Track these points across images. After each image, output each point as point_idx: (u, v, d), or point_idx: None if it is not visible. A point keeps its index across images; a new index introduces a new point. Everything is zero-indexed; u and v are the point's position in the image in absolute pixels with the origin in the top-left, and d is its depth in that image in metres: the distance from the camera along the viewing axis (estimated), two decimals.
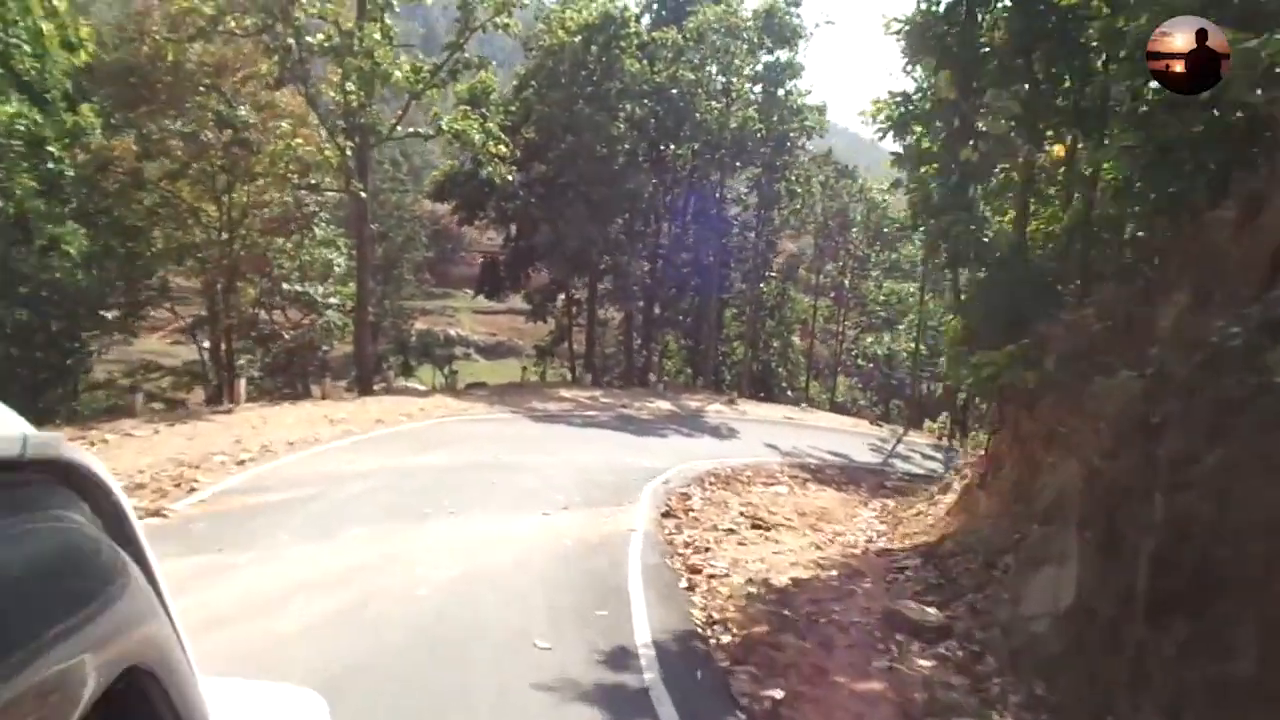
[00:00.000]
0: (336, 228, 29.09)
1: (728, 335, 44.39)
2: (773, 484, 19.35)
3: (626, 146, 33.87)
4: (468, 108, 24.25)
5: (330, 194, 25.67)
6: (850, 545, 12.37)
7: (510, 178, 26.28)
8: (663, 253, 40.24)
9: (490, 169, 25.24)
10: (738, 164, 37.09)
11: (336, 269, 28.13)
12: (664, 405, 29.71)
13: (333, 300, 28.19)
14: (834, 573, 9.93)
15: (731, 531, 12.35)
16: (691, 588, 8.93)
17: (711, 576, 9.42)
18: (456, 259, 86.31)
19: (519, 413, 22.72)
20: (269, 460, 13.16)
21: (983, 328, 12.34)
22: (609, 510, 12.47)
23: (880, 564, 10.65)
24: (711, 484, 17.14)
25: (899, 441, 31.63)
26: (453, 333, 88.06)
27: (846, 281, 46.15)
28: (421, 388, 41.65)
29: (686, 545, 11.08)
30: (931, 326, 37.37)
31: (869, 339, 48.52)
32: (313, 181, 22.55)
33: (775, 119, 34.61)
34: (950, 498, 16.60)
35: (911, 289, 41.13)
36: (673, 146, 36.90)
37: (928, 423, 38.94)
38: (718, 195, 38.46)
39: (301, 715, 1.45)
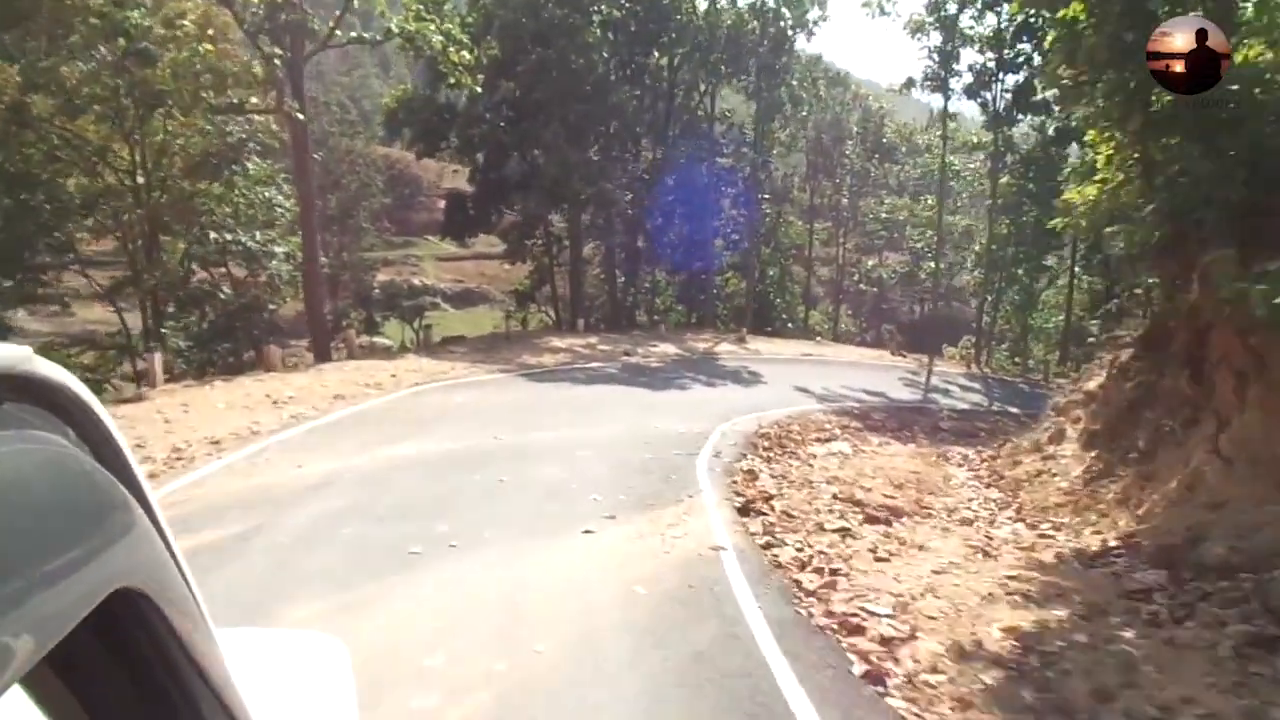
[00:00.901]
0: (275, 163, 24.70)
1: (721, 266, 40.57)
2: (828, 439, 15.99)
3: (605, 54, 29.50)
4: (421, 6, 19.83)
5: (261, 119, 21.25)
6: (1021, 545, 8.81)
7: (478, 89, 21.95)
8: (647, 177, 36.06)
9: (454, 80, 20.94)
10: (730, 72, 32.72)
11: (280, 213, 23.85)
12: (670, 349, 26.01)
13: (278, 250, 23.96)
14: (1059, 611, 6.37)
15: (845, 533, 8.76)
16: (875, 677, 5.30)
17: (887, 643, 5.81)
18: (417, 204, 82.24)
19: (510, 371, 18.91)
20: (179, 474, 9.24)
21: (1211, 216, 8.60)
22: (670, 512, 8.83)
23: (1105, 583, 7.11)
24: (767, 449, 13.66)
25: (930, 374, 28.28)
26: (418, 282, 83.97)
27: (845, 200, 42.26)
28: (389, 343, 37.62)
29: (804, 567, 7.47)
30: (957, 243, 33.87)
31: (870, 262, 44.96)
32: (233, 100, 18.01)
33: (771, 13, 30.29)
34: (1071, 450, 13.17)
35: (929, 202, 37.34)
36: (655, 54, 32.49)
37: (948, 349, 35.65)
38: (708, 109, 34.20)
39: (322, 659, 1.41)
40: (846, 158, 41.59)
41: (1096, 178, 14.43)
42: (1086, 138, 14.09)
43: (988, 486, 13.21)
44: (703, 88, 33.43)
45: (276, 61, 17.26)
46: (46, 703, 0.66)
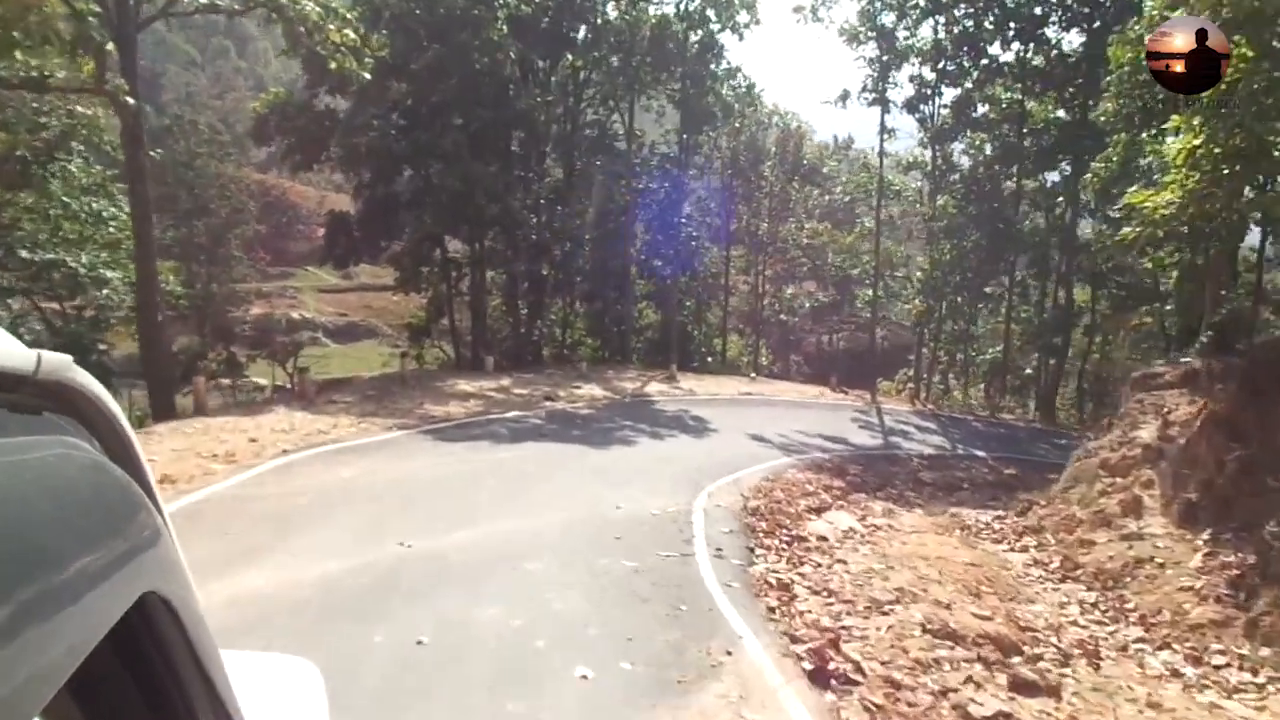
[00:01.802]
0: (110, 169, 20.00)
1: (635, 296, 37.22)
2: (821, 507, 12.80)
3: (511, 55, 25.84)
4: None
5: (86, 109, 16.67)
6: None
7: (366, 75, 17.89)
8: (553, 198, 32.41)
9: (335, 65, 16.87)
10: (653, 78, 29.44)
11: (112, 230, 19.19)
12: (595, 390, 22.31)
13: (111, 275, 19.23)
14: None
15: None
16: None
17: None
18: (295, 233, 77.21)
19: (411, 427, 14.82)
20: None
21: None
22: (713, 698, 5.16)
23: None
24: (768, 534, 10.20)
25: (881, 413, 25.51)
26: (296, 316, 78.34)
27: (764, 225, 39.56)
28: (262, 383, 32.65)
29: None
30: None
31: (789, 290, 42.46)
32: (31, 70, 13.34)
33: (697, 14, 27.26)
34: (1163, 526, 10.10)
35: (864, 226, 34.77)
36: (569, 56, 29.02)
37: (883, 383, 33.13)
38: (625, 122, 30.86)
39: (297, 683, 1.42)
40: (764, 180, 38.91)
41: (1170, 179, 11.73)
42: (1169, 123, 11.41)
43: (1063, 579, 10.00)
44: (620, 95, 29.98)
45: (93, 20, 12.84)
46: (49, 709, 0.58)
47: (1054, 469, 20.93)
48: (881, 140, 28.47)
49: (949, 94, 28.63)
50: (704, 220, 37.75)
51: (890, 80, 27.80)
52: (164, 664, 0.77)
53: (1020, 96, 28.28)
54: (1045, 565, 10.43)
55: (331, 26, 16.48)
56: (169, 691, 0.77)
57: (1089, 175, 19.96)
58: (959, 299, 29.25)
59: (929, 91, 28.18)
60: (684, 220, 37.30)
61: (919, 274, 28.90)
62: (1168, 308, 22.28)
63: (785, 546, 9.89)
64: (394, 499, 9.69)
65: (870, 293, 31.62)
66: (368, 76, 17.63)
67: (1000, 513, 13.96)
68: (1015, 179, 28.72)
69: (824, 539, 10.60)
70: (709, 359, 38.61)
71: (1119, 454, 12.18)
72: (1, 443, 0.56)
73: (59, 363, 0.65)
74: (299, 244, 78.29)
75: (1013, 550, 11.33)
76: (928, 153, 29.71)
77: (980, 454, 20.95)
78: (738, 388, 26.19)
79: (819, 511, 12.74)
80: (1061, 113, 28.30)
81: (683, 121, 30.34)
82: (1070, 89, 27.02)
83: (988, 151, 28.91)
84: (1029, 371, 33.34)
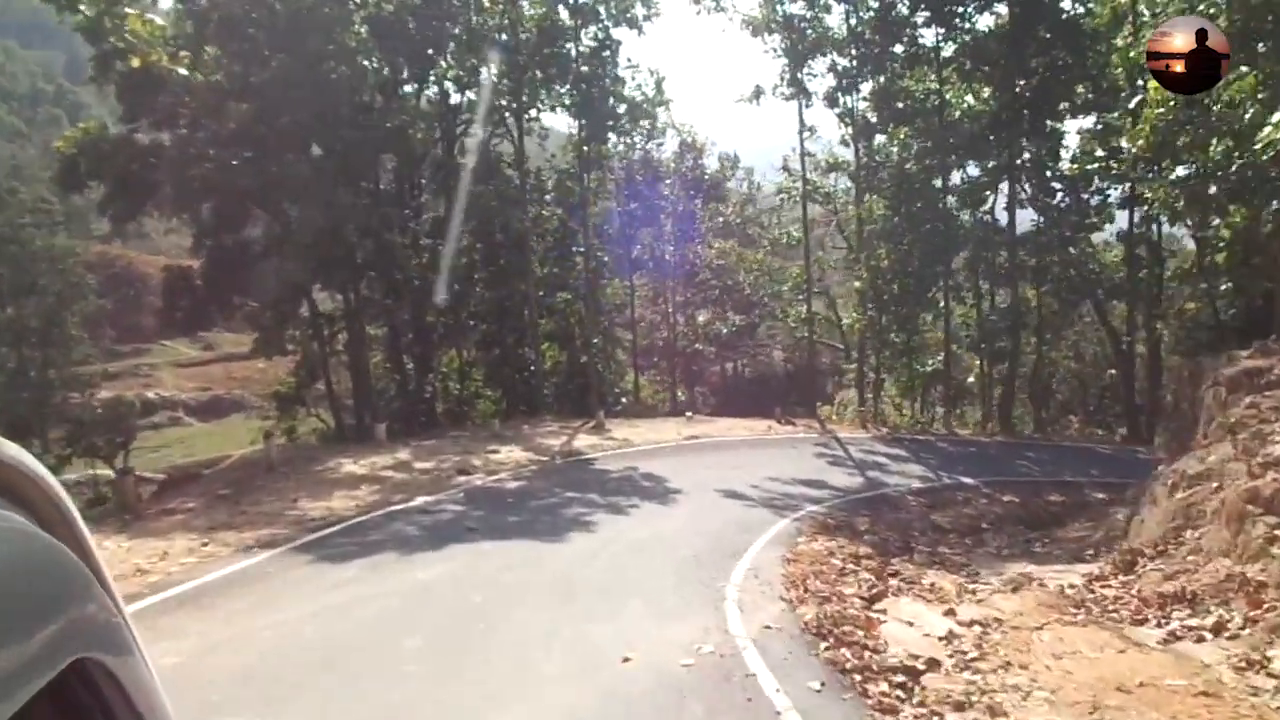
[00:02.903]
0: None
1: (535, 337, 33.23)
2: (876, 595, 9.27)
3: (374, 63, 21.73)
4: None
5: None
6: None
7: (196, 75, 13.50)
8: (432, 234, 28.25)
9: (155, 60, 12.46)
10: (544, 79, 25.60)
11: None
12: (517, 453, 18.20)
13: None
14: None
15: None
16: None
17: None
18: (145, 306, 70.16)
19: (282, 542, 10.38)
20: None
21: None
22: None
23: None
24: (860, 671, 6.40)
25: (842, 444, 22.35)
26: (153, 395, 71.79)
27: (670, 249, 36.26)
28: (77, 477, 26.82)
29: None
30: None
31: (701, 316, 39.25)
32: None
33: (587, 7, 23.74)
34: None
35: (792, 234, 31.61)
36: (444, 63, 25.01)
37: (823, 408, 30.10)
38: (514, 137, 26.98)
39: None
40: (665, 199, 35.65)
41: None
42: None
43: None
44: (506, 107, 26.07)
45: None
46: None
47: (1055, 490, 18.42)
48: (802, 139, 25.70)
49: (870, 87, 26.03)
50: (606, 247, 34.17)
51: (808, 70, 25.05)
52: None
53: (938, 85, 26.03)
54: (1266, 666, 7.01)
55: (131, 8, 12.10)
56: None
57: (1140, 126, 17.10)
58: (903, 309, 26.48)
59: (848, 81, 25.51)
60: (582, 250, 33.67)
61: (857, 284, 26.01)
62: (1223, 287, 19.60)
63: (902, 694, 6.19)
64: (248, 705, 5.47)
65: (803, 310, 28.58)
66: (197, 75, 13.23)
67: (1090, 570, 10.63)
68: (946, 172, 26.32)
69: (934, 664, 6.94)
70: (622, 400, 34.91)
71: (1269, 480, 9.00)
72: None
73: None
74: (150, 318, 71.48)
75: (1180, 639, 7.90)
76: (850, 151, 27.04)
77: (968, 481, 18.44)
78: (678, 431, 22.50)
79: (873, 600, 9.15)
80: (983, 96, 26.15)
81: (582, 130, 26.62)
82: (998, 67, 24.81)
83: (914, 147, 26.38)
84: (971, 380, 30.92)
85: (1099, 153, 24.99)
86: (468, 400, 31.59)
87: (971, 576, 11.08)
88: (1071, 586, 9.94)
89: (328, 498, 12.92)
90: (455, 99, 26.79)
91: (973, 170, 27.34)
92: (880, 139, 26.40)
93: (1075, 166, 26.31)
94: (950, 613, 8.67)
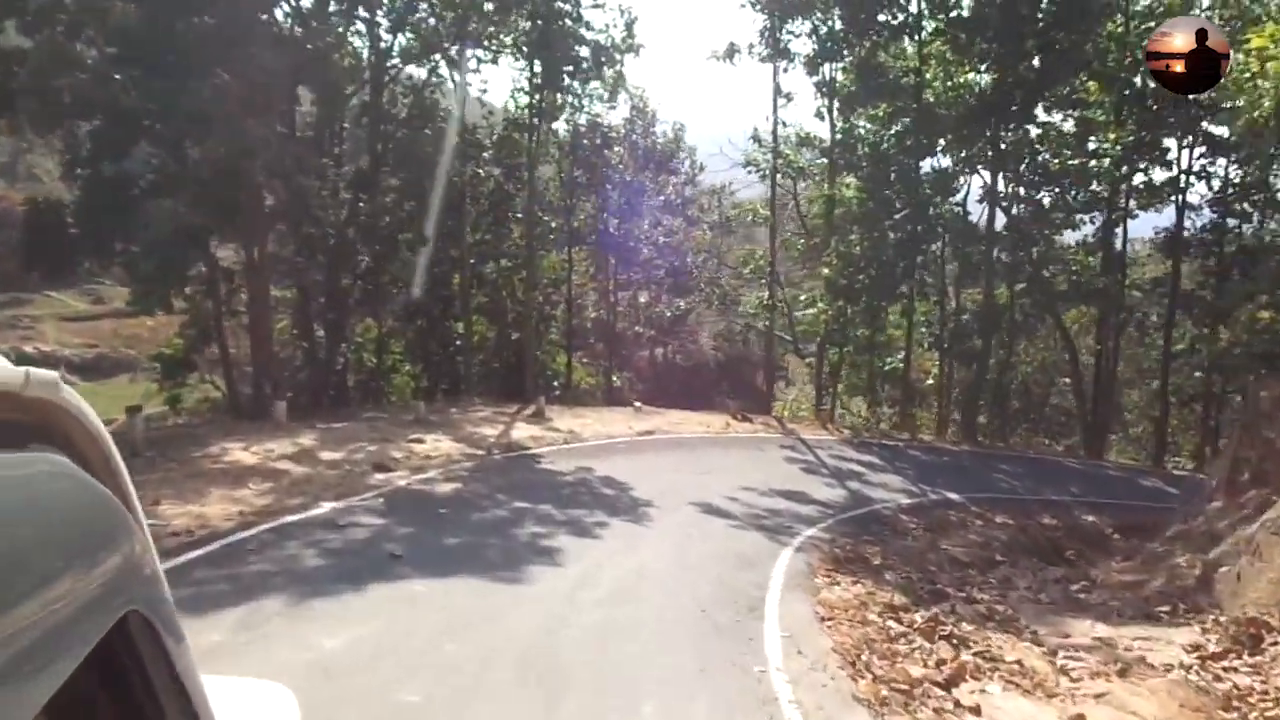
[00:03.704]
0: None
1: (461, 309, 30.11)
2: (952, 679, 6.69)
3: None
4: None
5: None
6: None
7: None
8: (356, 185, 24.97)
9: None
10: (494, 17, 22.36)
11: None
12: (447, 444, 15.24)
13: None
14: None
15: None
16: None
17: None
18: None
19: None
20: None
21: None
22: None
23: None
24: None
25: (810, 447, 20.09)
26: (31, 350, 65.94)
27: (616, 222, 33.43)
28: None
29: None
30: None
31: (643, 297, 36.63)
32: None
33: None
34: None
35: (762, 211, 28.95)
36: None
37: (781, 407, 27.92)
38: (458, 79, 23.74)
39: (273, 708, 1.35)
40: (612, 168, 32.73)
41: None
42: None
43: None
44: (447, 37, 22.73)
45: None
46: None
47: (1043, 510, 16.36)
48: (776, 105, 23.25)
49: (851, 58, 23.65)
50: (545, 217, 31.25)
51: (788, 31, 22.58)
52: (143, 684, 0.72)
53: (917, 64, 23.91)
54: None
55: None
56: (147, 712, 0.73)
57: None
58: (875, 301, 24.31)
59: (833, 45, 23.05)
60: (520, 217, 30.65)
61: (825, 270, 23.69)
62: None
63: None
64: None
65: (765, 295, 26.16)
66: None
67: (1192, 640, 8.42)
68: (924, 155, 24.23)
69: None
70: (555, 384, 32.09)
71: None
72: None
73: (46, 379, 0.64)
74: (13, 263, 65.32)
75: None
76: (825, 126, 24.67)
77: (954, 497, 16.66)
78: (628, 424, 19.84)
79: (950, 684, 6.74)
80: (969, 77, 24.16)
81: (534, 76, 23.48)
82: (991, 44, 22.78)
83: (896, 126, 24.19)
84: (930, 381, 29.11)
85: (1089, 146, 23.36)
86: (384, 375, 28.32)
87: (1032, 637, 8.81)
88: (1184, 666, 7.71)
89: (201, 499, 9.82)
90: (386, 41, 23.42)
91: (950, 157, 25.42)
92: (859, 115, 24.07)
93: (1058, 162, 24.62)
94: (1047, 696, 6.30)
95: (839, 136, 23.99)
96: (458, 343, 29.42)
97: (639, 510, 11.63)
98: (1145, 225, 30.00)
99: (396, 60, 25.28)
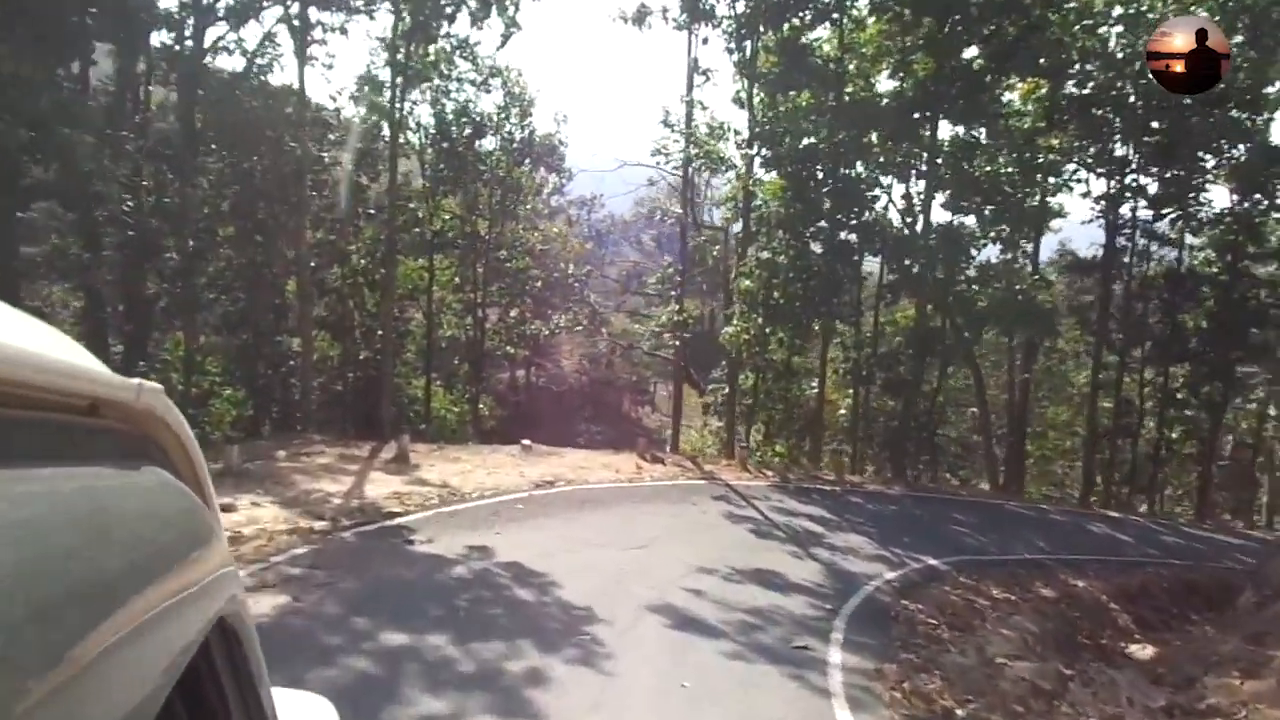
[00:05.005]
0: None
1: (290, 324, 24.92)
2: None
3: None
4: None
5: None
6: None
7: None
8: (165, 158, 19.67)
9: None
10: None
11: None
12: (267, 508, 10.47)
13: None
14: None
15: None
16: None
17: None
18: None
19: None
20: None
21: None
22: None
23: None
24: None
25: (749, 500, 16.32)
26: None
27: (485, 224, 28.90)
28: None
29: None
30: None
31: (513, 312, 32.14)
32: None
33: None
34: None
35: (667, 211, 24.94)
36: None
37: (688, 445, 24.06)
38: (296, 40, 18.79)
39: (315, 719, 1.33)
40: (485, 162, 28.18)
41: None
42: None
43: None
44: None
45: None
46: None
47: (1030, 575, 13.68)
48: (691, 82, 19.55)
49: (774, 37, 20.31)
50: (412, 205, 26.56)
51: None
52: (215, 691, 0.72)
53: (838, 54, 20.93)
54: None
55: None
56: (217, 716, 0.73)
57: None
58: (805, 319, 20.89)
59: (760, 17, 19.56)
60: (374, 213, 25.77)
61: (745, 282, 20.04)
62: None
63: None
64: None
65: (678, 307, 22.18)
66: None
67: None
68: (861, 154, 21.20)
69: None
70: (414, 414, 27.25)
71: None
72: (108, 471, 0.57)
73: (154, 391, 0.65)
74: None
75: None
76: (744, 116, 21.09)
77: (935, 564, 13.25)
78: (519, 471, 15.39)
79: None
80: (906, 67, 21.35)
81: (400, 24, 18.74)
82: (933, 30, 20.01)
83: (822, 119, 21.00)
84: (843, 412, 26.01)
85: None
86: (198, 401, 22.70)
87: None
88: None
89: None
90: None
91: (871, 163, 22.49)
92: (783, 103, 20.70)
93: (991, 170, 22.10)
94: None
95: (763, 124, 20.48)
96: (291, 363, 24.08)
97: (579, 634, 7.39)
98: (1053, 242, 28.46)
99: (222, 18, 20.16)
